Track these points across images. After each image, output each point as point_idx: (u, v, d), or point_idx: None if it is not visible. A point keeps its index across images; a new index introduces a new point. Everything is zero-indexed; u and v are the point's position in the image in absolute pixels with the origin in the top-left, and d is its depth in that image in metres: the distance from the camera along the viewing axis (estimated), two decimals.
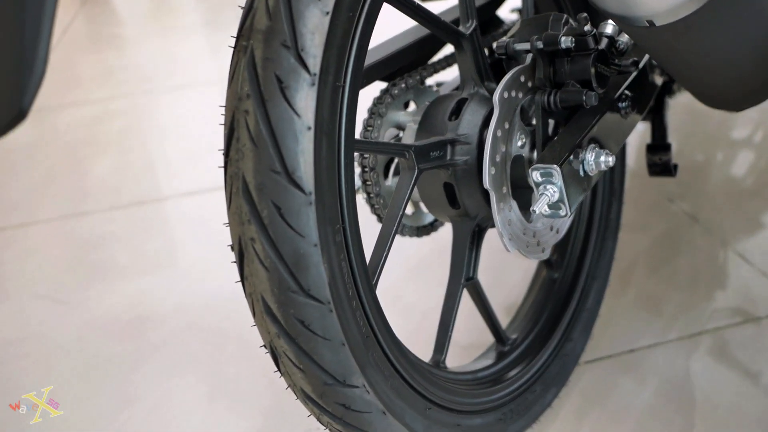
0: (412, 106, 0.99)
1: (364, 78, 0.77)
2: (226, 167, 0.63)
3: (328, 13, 0.61)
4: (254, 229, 0.61)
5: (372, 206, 0.93)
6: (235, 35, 0.63)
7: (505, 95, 0.81)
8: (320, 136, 0.61)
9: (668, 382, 1.11)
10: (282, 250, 0.61)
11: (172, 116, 2.39)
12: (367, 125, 0.91)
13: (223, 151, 0.64)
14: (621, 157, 1.20)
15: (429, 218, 1.03)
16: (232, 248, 0.65)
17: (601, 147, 0.86)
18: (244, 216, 0.61)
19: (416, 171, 0.80)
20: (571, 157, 0.82)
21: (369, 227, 0.92)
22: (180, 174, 1.94)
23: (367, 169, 0.91)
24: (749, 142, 1.90)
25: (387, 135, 0.96)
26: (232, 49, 0.64)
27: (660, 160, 1.12)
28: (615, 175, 1.18)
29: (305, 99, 0.60)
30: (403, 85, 0.93)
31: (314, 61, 0.60)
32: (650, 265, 1.41)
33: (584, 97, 0.82)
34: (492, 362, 0.98)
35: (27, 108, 0.44)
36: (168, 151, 2.12)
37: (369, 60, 0.88)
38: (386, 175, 0.97)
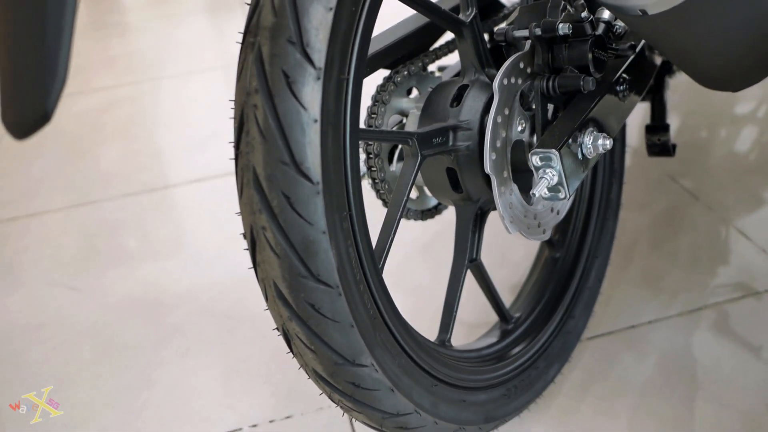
0: (415, 92, 1.01)
1: (367, 67, 0.80)
2: (236, 159, 0.66)
3: (331, 8, 0.63)
4: (265, 218, 0.64)
5: (377, 191, 0.96)
6: (242, 31, 0.66)
7: (505, 82, 0.84)
8: (326, 127, 0.64)
9: (668, 357, 1.14)
10: (292, 238, 0.64)
11: (178, 103, 2.41)
12: (371, 113, 0.94)
13: (233, 144, 0.67)
14: (621, 137, 1.22)
15: (433, 202, 1.05)
16: (245, 236, 0.68)
17: (600, 130, 0.88)
18: (256, 206, 0.64)
19: (419, 157, 0.83)
20: (570, 141, 0.84)
21: (374, 212, 0.95)
22: (188, 160, 1.97)
23: (371, 156, 0.94)
24: (752, 118, 1.91)
25: (391, 121, 0.98)
26: (239, 45, 0.66)
27: (659, 140, 1.15)
28: (615, 156, 1.20)
29: (311, 93, 0.62)
30: (405, 73, 0.96)
31: (319, 56, 0.63)
32: (652, 243, 1.43)
33: (582, 83, 0.84)
34: (496, 340, 1.01)
35: (51, 111, 0.47)
36: (175, 137, 2.15)
37: (372, 49, 0.90)
38: (390, 161, 0.99)
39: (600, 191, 1.18)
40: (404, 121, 0.98)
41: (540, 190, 0.81)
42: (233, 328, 1.31)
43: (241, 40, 0.66)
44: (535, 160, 0.82)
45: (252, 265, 0.69)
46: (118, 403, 1.17)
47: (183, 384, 1.20)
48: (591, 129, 0.87)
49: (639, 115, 1.74)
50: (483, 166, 0.84)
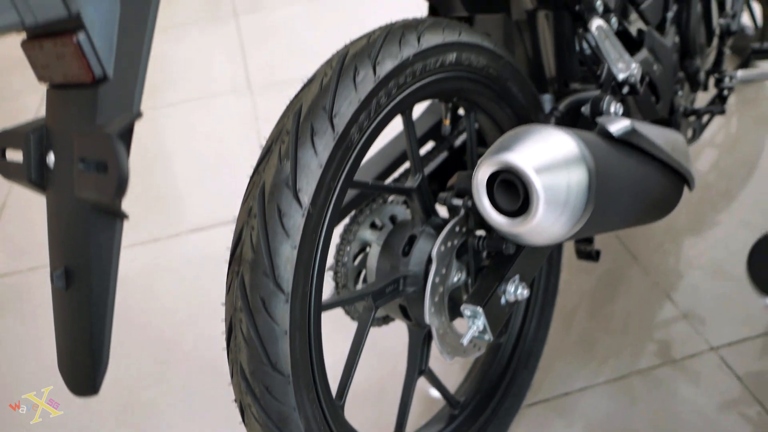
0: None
1: (338, 216, 0.99)
2: (228, 354, 0.88)
3: (295, 247, 0.84)
4: (250, 399, 0.86)
5: (346, 312, 1.17)
6: (229, 257, 0.86)
7: (443, 249, 1.04)
8: (294, 335, 0.85)
9: (593, 424, 1.38)
10: (270, 414, 0.86)
11: (179, 137, 2.58)
12: (339, 249, 1.15)
13: (225, 339, 0.88)
14: None
15: None
16: (235, 402, 0.91)
17: (522, 279, 1.09)
18: (243, 390, 0.86)
19: (374, 309, 1.04)
20: (495, 291, 1.05)
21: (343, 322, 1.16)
22: (193, 206, 2.16)
23: (339, 285, 1.15)
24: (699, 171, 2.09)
25: (355, 250, 1.19)
26: (227, 268, 0.87)
27: (584, 249, 1.35)
28: (553, 252, 1.41)
29: (282, 312, 0.84)
30: (368, 212, 1.16)
31: (287, 284, 0.84)
32: (591, 307, 1.65)
33: (504, 246, 1.05)
34: (443, 426, 1.25)
35: (98, 388, 0.68)
36: (180, 180, 2.33)
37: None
38: (356, 283, 1.21)
39: (539, 283, 1.40)
40: (368, 250, 1.19)
41: (468, 338, 1.03)
42: None
43: (228, 262, 0.87)
44: (465, 312, 1.03)
45: (243, 423, 0.92)
46: None
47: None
48: (513, 279, 1.08)
49: None
50: None
